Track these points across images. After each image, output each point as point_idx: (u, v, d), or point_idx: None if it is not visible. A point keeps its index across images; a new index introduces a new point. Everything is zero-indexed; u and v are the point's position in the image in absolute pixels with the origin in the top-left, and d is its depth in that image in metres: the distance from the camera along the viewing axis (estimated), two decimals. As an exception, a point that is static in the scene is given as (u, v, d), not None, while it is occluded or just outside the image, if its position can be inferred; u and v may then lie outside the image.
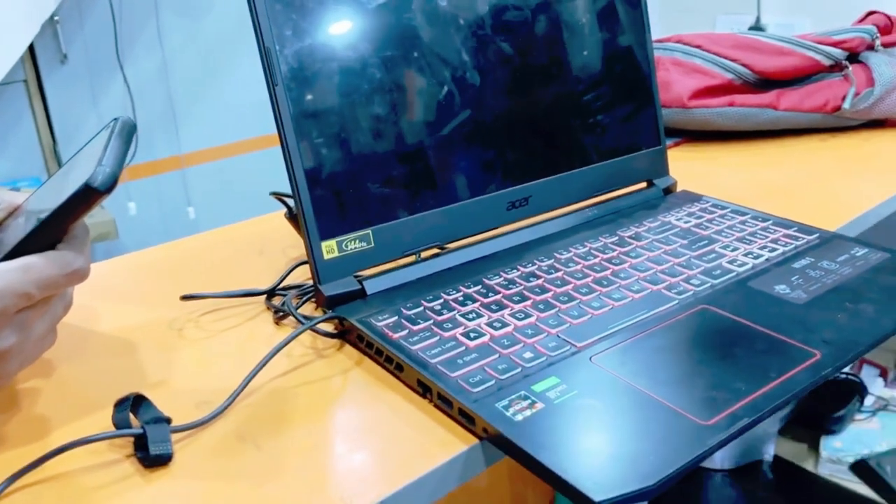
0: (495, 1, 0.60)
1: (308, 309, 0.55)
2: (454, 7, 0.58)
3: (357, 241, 0.54)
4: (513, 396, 0.41)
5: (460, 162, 0.58)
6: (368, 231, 0.54)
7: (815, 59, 0.95)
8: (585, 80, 0.66)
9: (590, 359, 0.45)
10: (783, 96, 0.94)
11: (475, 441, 0.40)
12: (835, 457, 1.10)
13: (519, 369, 0.44)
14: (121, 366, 0.50)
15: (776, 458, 1.11)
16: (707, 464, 1.08)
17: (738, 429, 0.38)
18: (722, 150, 0.93)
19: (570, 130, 0.65)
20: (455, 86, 0.58)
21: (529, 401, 0.41)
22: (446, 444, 0.40)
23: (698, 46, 0.95)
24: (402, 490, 0.38)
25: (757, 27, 2.23)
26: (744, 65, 0.94)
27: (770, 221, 0.64)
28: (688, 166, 0.88)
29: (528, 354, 0.45)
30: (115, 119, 0.42)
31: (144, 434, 0.39)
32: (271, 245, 0.68)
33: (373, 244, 0.54)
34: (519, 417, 0.39)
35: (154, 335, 0.54)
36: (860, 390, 1.14)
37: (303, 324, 0.49)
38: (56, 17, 1.92)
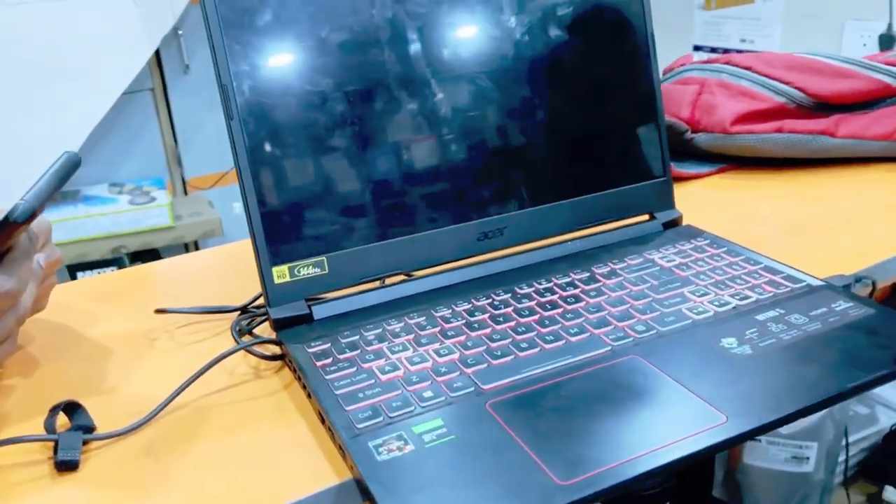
0: (469, 24, 0.60)
1: (268, 329, 0.58)
2: (421, 32, 0.58)
3: (311, 268, 0.56)
4: (388, 436, 0.42)
5: (423, 191, 0.59)
6: (322, 258, 0.56)
7: (885, 83, 0.87)
8: (574, 107, 0.64)
9: (486, 403, 0.44)
10: (843, 122, 0.87)
11: (349, 477, 0.41)
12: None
13: (412, 408, 0.44)
14: (90, 370, 0.55)
15: (832, 511, 1.03)
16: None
17: (591, 494, 0.36)
18: (770, 179, 0.87)
19: (553, 160, 0.64)
20: (421, 115, 0.59)
21: (402, 442, 0.41)
22: (324, 476, 0.42)
23: (748, 68, 0.90)
24: (271, 517, 0.40)
25: (889, 35, 2.03)
26: (798, 88, 0.87)
27: (760, 265, 0.59)
28: (722, 196, 0.83)
29: (428, 394, 0.45)
30: (66, 152, 0.46)
31: (57, 440, 0.43)
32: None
33: (327, 270, 0.56)
34: (384, 458, 0.40)
35: (130, 343, 0.58)
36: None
37: (238, 343, 0.52)
38: (180, 31, 2.09)
